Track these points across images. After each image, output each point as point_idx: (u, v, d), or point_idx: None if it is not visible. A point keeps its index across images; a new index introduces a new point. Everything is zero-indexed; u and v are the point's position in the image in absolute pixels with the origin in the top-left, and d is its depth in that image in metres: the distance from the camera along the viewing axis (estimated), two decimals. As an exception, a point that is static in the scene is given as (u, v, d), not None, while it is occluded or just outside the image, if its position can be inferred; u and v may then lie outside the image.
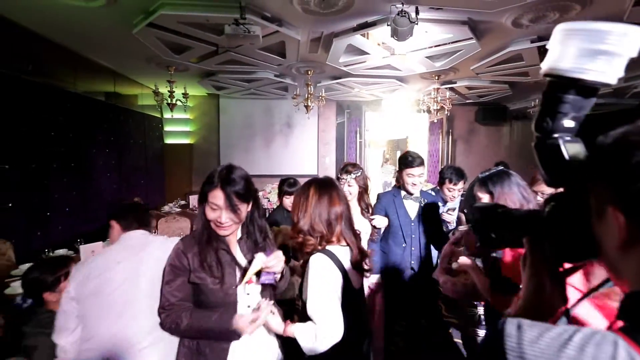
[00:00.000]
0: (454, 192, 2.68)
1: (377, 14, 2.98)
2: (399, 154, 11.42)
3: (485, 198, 1.51)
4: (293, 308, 1.63)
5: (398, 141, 12.12)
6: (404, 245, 2.34)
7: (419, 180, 2.36)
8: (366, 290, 2.10)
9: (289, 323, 1.27)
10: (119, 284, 1.24)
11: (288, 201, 2.50)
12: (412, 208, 2.39)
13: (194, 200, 5.79)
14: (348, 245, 1.36)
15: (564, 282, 0.56)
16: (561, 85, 0.52)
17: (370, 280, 2.24)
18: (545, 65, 0.53)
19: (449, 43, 3.54)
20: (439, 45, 3.64)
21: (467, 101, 7.08)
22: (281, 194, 2.63)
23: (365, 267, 1.40)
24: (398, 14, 2.68)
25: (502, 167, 1.56)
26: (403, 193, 2.41)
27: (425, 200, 2.42)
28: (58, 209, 3.79)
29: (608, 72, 0.48)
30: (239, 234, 1.36)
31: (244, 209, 1.27)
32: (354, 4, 2.74)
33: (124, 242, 1.38)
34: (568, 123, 0.53)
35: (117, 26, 3.23)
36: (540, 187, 2.14)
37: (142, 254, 1.32)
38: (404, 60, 4.15)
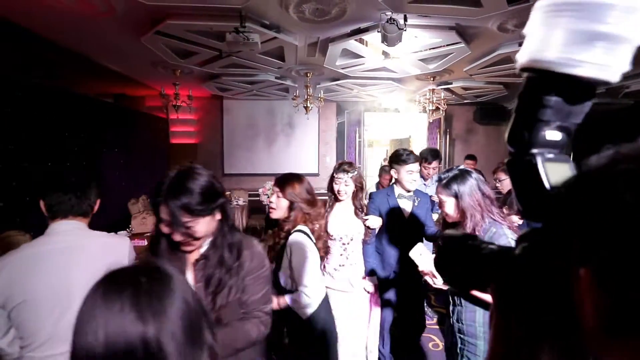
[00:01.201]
0: (429, 170, 3.18)
1: (369, 20, 3.16)
2: (402, 153, 11.66)
3: (449, 202, 1.51)
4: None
5: (401, 141, 12.32)
6: (398, 246, 2.30)
7: (417, 176, 2.35)
8: (355, 288, 2.13)
9: (277, 296, 1.48)
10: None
11: None
12: (405, 207, 2.35)
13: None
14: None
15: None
16: (544, 83, 0.39)
17: (366, 283, 2.20)
18: (522, 57, 0.41)
19: (438, 47, 3.72)
20: (429, 49, 3.82)
21: (465, 101, 7.23)
22: None
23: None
24: (387, 22, 2.87)
25: (462, 167, 1.61)
26: (397, 192, 2.36)
27: (419, 199, 2.39)
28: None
29: (609, 64, 0.36)
30: (204, 248, 1.12)
31: (203, 224, 1.03)
32: (347, 13, 2.93)
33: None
34: (551, 135, 0.40)
35: (126, 34, 3.46)
36: (500, 174, 2.26)
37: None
38: (398, 63, 4.33)
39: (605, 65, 0.36)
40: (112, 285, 0.50)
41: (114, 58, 4.46)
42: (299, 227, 1.61)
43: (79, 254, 1.26)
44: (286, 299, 1.53)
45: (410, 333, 2.65)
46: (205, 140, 7.40)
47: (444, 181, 1.53)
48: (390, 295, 2.40)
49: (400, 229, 2.30)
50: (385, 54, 3.97)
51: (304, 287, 1.50)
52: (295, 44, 3.62)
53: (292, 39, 3.51)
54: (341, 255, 2.12)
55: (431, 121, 7.13)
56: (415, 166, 2.28)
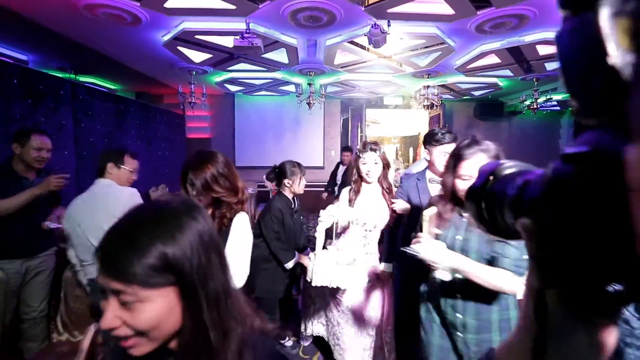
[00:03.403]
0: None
1: (357, 25, 3.58)
2: (411, 150, 11.94)
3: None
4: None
5: (410, 138, 12.59)
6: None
7: None
8: (371, 277, 2.01)
9: None
10: None
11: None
12: (437, 193, 2.21)
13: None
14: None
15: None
16: None
17: (380, 268, 2.05)
18: None
19: (423, 47, 4.10)
20: (416, 50, 4.20)
21: (464, 97, 7.51)
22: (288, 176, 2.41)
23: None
24: (372, 27, 3.28)
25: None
26: (429, 177, 2.10)
27: None
28: (101, 189, 4.63)
29: None
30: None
31: (155, 305, 0.54)
32: (337, 19, 3.36)
33: None
34: None
35: (149, 40, 3.99)
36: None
37: None
38: (391, 61, 4.72)
39: None
40: (147, 209, 0.60)
41: (137, 60, 5.02)
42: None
43: (107, 199, 1.82)
44: None
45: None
46: (218, 135, 7.96)
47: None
48: (406, 288, 2.13)
49: None
50: (377, 53, 4.37)
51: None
52: (295, 46, 4.07)
53: (291, 41, 3.96)
54: (359, 241, 2.02)
55: (431, 116, 7.44)
56: (450, 147, 1.92)
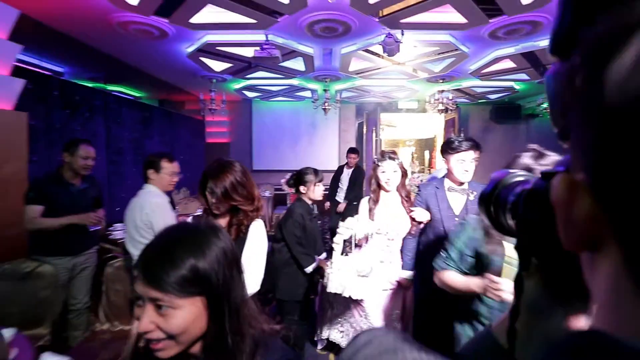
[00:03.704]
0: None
1: (371, 34, 3.70)
2: (427, 153, 11.91)
3: None
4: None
5: (426, 140, 12.55)
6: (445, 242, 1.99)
7: (471, 166, 1.95)
8: (393, 285, 2.02)
9: None
10: None
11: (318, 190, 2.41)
12: (456, 202, 2.02)
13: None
14: None
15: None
16: None
17: (401, 275, 2.04)
18: None
19: (437, 54, 4.17)
20: (430, 57, 4.28)
21: (480, 101, 7.49)
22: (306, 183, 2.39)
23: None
24: (386, 36, 3.40)
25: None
26: (447, 185, 2.03)
27: (474, 193, 2.00)
28: (128, 192, 4.90)
29: None
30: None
31: (186, 312, 0.64)
32: (352, 30, 3.50)
33: None
34: None
35: (173, 51, 4.24)
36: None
37: None
38: (405, 67, 4.81)
39: None
40: (180, 229, 0.72)
41: (162, 70, 5.29)
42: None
43: (140, 205, 2.07)
44: None
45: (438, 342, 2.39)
46: (236, 139, 8.21)
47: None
48: (426, 297, 2.06)
49: (447, 225, 1.96)
50: (391, 60, 4.47)
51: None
52: (311, 55, 4.23)
53: (308, 51, 4.12)
54: (382, 250, 2.03)
55: (447, 120, 7.46)
56: (468, 154, 1.92)
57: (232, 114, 8.08)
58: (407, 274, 2.06)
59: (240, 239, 1.49)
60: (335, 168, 8.33)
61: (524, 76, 5.30)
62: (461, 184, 2.02)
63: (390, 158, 2.00)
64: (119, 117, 4.74)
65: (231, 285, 0.67)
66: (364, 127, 7.99)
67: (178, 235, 0.69)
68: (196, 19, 3.17)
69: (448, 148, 2.00)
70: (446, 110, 5.74)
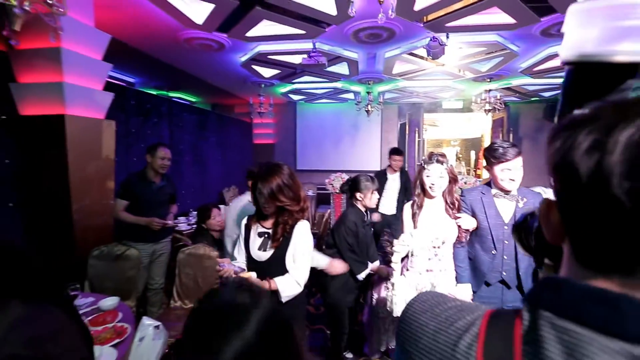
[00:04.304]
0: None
1: (416, 37, 3.76)
2: (473, 153, 11.48)
3: None
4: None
5: (472, 140, 12.08)
6: (493, 252, 1.86)
7: (518, 174, 1.79)
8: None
9: (269, 279, 1.51)
10: None
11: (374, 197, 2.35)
12: (505, 208, 1.88)
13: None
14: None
15: None
16: (585, 71, 0.48)
17: (459, 291, 1.90)
18: (564, 52, 0.51)
19: (484, 54, 4.11)
20: (476, 57, 4.22)
21: (532, 99, 7.10)
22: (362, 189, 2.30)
23: None
24: (430, 39, 3.45)
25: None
26: (494, 190, 1.91)
27: (525, 199, 1.86)
28: (187, 189, 5.44)
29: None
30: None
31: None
32: (395, 35, 3.60)
33: None
34: None
35: (228, 61, 4.63)
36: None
37: None
38: (450, 68, 4.77)
39: (636, 51, 0.44)
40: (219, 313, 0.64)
41: (217, 77, 5.76)
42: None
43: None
44: (277, 283, 1.51)
45: None
46: (281, 140, 8.60)
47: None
48: None
49: (496, 233, 1.86)
50: (436, 62, 4.48)
51: (299, 273, 1.56)
52: (356, 60, 4.38)
53: (352, 56, 4.28)
54: (430, 259, 1.91)
55: (494, 119, 7.18)
56: (513, 163, 1.77)
57: (277, 116, 8.48)
58: (465, 288, 1.89)
59: (285, 238, 1.56)
60: (377, 169, 8.46)
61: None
62: (508, 192, 1.87)
63: (438, 161, 1.87)
64: (180, 121, 5.26)
65: (281, 355, 0.65)
66: (407, 128, 7.95)
67: (219, 323, 0.63)
68: (251, 32, 3.48)
69: (491, 156, 1.83)
70: (494, 110, 5.56)
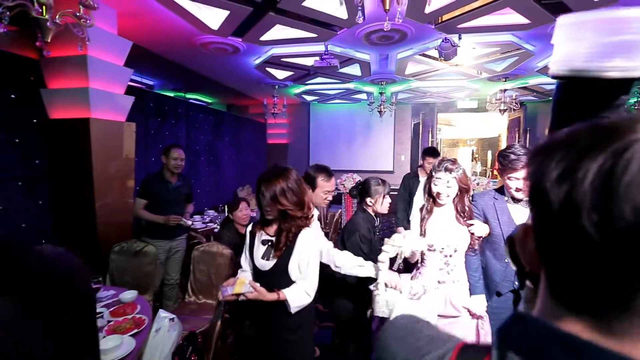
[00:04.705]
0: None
1: (428, 39, 3.76)
2: (489, 153, 11.27)
3: None
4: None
5: (489, 140, 11.86)
6: (506, 260, 1.71)
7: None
8: (459, 312, 1.75)
9: (277, 291, 1.48)
10: None
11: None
12: (519, 215, 1.79)
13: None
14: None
15: None
16: (575, 86, 0.46)
17: (475, 304, 1.77)
18: (554, 66, 0.49)
19: (499, 54, 4.06)
20: (491, 57, 4.18)
21: (551, 98, 6.91)
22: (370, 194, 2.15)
23: None
24: (443, 41, 3.45)
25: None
26: (508, 196, 1.83)
27: None
28: (202, 188, 5.60)
29: (633, 65, 0.42)
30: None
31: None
32: (407, 37, 3.61)
33: None
34: None
35: (243, 63, 4.75)
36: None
37: None
38: (464, 68, 4.73)
39: (628, 67, 0.42)
40: None
41: (232, 79, 5.91)
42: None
43: None
44: (286, 294, 1.48)
45: None
46: (294, 140, 8.70)
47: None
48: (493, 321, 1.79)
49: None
50: (449, 62, 4.45)
51: (307, 284, 1.51)
52: (368, 61, 4.41)
53: (364, 58, 4.32)
54: (441, 269, 1.80)
55: (511, 119, 7.05)
56: (522, 173, 1.68)
57: (291, 117, 8.59)
58: (480, 299, 1.76)
59: (287, 247, 1.51)
60: (390, 169, 8.48)
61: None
62: (518, 200, 1.76)
63: (446, 169, 1.75)
64: (196, 122, 5.43)
65: None
66: (420, 128, 7.90)
67: None
68: (265, 36, 3.57)
69: (501, 162, 1.71)
70: (509, 109, 5.47)
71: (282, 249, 1.51)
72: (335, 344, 2.23)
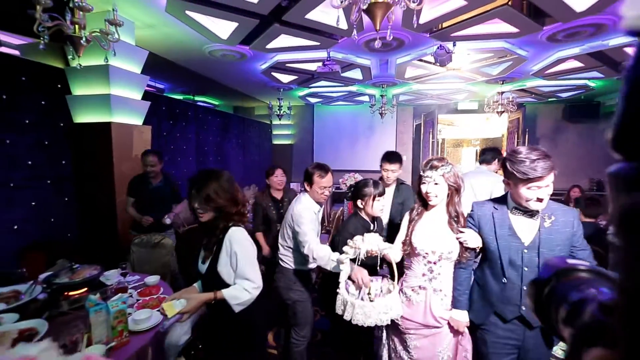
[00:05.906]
0: (388, 173, 2.73)
1: (424, 46, 3.97)
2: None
3: None
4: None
5: (493, 140, 11.98)
6: (503, 280, 1.53)
7: (547, 193, 1.41)
8: (439, 324, 1.68)
9: (215, 292, 1.45)
10: None
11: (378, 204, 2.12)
12: (526, 227, 1.52)
13: (293, 187, 7.53)
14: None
15: None
16: None
17: (454, 317, 1.66)
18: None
19: (493, 59, 4.25)
20: (485, 62, 4.37)
21: (550, 99, 7.08)
22: (363, 196, 2.09)
23: None
24: (438, 48, 3.66)
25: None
26: (512, 204, 1.54)
27: (553, 218, 1.48)
28: (211, 187, 5.85)
29: None
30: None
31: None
32: (405, 44, 3.82)
33: None
34: None
35: (250, 68, 4.99)
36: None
37: None
38: (461, 72, 4.93)
39: None
40: None
41: (239, 83, 6.16)
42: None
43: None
44: (224, 294, 1.45)
45: None
46: (299, 141, 8.94)
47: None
48: (485, 340, 1.61)
49: (509, 258, 1.52)
50: (446, 67, 4.65)
51: (246, 282, 1.47)
52: (369, 66, 4.63)
53: (365, 63, 4.53)
54: (424, 275, 1.70)
55: (510, 120, 7.21)
56: (545, 181, 1.38)
57: (295, 118, 8.83)
58: (460, 314, 1.64)
59: (217, 247, 1.49)
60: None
61: (596, 74, 5.01)
62: (532, 212, 1.50)
63: (432, 167, 1.65)
64: (205, 124, 5.69)
65: None
66: (422, 129, 8.09)
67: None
68: (271, 45, 3.81)
69: (515, 170, 1.40)
70: (507, 111, 5.64)
71: (212, 249, 1.50)
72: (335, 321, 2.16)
